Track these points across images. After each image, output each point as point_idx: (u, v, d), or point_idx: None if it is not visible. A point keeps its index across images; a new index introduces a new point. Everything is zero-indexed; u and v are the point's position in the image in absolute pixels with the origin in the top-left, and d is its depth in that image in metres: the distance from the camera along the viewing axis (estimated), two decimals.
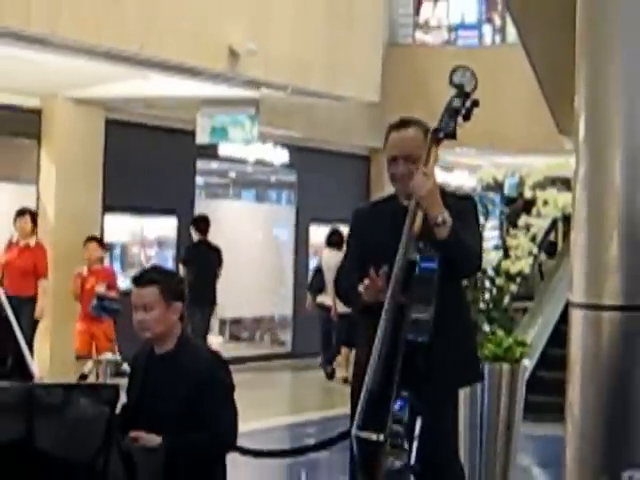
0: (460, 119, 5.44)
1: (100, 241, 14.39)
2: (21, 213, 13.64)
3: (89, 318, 13.70)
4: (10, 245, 13.68)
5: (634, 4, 5.43)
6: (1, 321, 6.28)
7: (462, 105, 5.48)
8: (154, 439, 5.45)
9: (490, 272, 8.00)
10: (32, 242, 13.71)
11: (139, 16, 12.90)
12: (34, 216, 13.84)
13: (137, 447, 5.46)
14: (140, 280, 5.72)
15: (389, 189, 5.85)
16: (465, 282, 6.99)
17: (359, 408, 5.16)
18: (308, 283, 18.50)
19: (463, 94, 5.49)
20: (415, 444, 5.04)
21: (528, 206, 8.70)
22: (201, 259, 16.62)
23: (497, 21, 21.37)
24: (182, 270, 16.26)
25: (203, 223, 16.91)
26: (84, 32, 12.24)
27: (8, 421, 5.35)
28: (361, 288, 5.29)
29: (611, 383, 5.66)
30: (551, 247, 13.33)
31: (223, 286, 17.32)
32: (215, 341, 18.39)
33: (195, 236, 16.94)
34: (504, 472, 8.04)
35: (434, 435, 5.18)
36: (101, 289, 13.25)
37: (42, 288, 13.87)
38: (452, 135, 5.41)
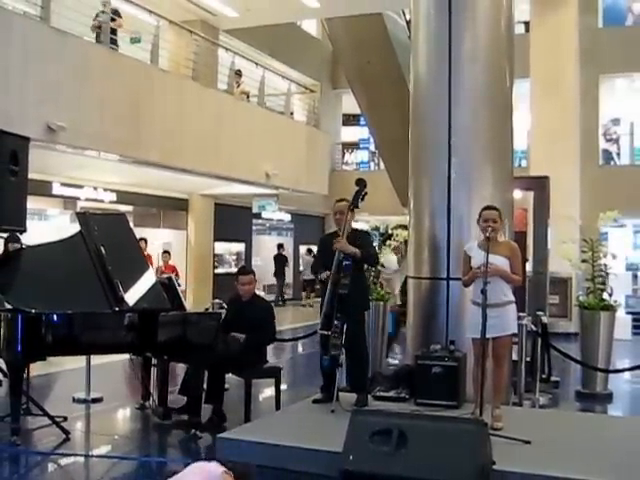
0: (360, 201, 6.72)
1: (169, 252, 15.71)
2: (165, 252, 15.29)
3: None
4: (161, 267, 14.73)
5: (434, 157, 7.47)
6: (172, 288, 7.48)
7: (361, 194, 6.74)
8: (240, 336, 6.93)
9: None
10: (170, 262, 15.10)
11: (228, 159, 14.98)
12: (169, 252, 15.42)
13: (232, 337, 6.97)
14: (243, 271, 7.62)
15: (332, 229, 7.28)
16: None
17: (321, 321, 6.56)
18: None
19: (361, 189, 6.75)
20: (343, 336, 6.41)
21: (389, 236, 9.98)
22: (279, 260, 22.18)
23: (376, 160, 24.70)
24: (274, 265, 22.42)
25: (281, 246, 22.11)
26: (204, 165, 14.40)
27: (175, 328, 6.77)
28: (324, 275, 6.64)
29: (424, 309, 7.49)
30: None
31: (266, 271, 22.22)
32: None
33: (276, 251, 22.16)
34: (381, 344, 9.11)
35: (353, 332, 6.55)
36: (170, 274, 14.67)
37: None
38: (357, 207, 6.72)
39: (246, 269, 7.98)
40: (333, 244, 6.64)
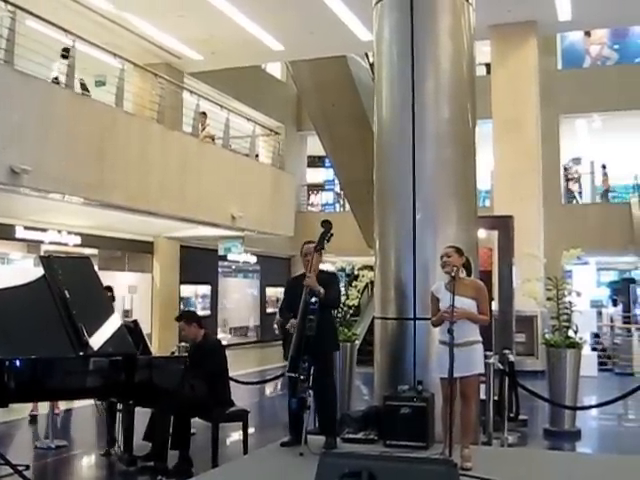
0: (325, 242, 6.74)
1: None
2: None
3: None
4: None
5: (400, 200, 7.51)
6: (137, 332, 7.46)
7: (326, 236, 6.76)
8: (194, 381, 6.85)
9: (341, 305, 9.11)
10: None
11: (194, 201, 14.89)
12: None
13: (195, 380, 6.86)
14: (178, 317, 7.66)
15: (298, 272, 7.21)
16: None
17: (288, 363, 6.49)
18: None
19: (326, 231, 6.77)
20: (311, 378, 6.37)
21: (355, 277, 9.82)
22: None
23: (341, 202, 25.23)
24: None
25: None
26: (170, 208, 14.31)
27: (142, 372, 6.60)
28: (289, 325, 6.61)
29: (390, 350, 7.44)
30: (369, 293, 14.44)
31: (232, 313, 23.10)
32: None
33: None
34: (349, 387, 9.02)
35: (321, 374, 6.53)
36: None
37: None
38: (322, 248, 6.75)
39: (180, 314, 8.04)
40: (302, 284, 6.64)
